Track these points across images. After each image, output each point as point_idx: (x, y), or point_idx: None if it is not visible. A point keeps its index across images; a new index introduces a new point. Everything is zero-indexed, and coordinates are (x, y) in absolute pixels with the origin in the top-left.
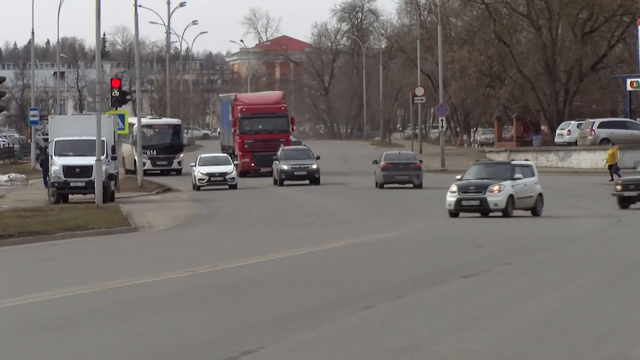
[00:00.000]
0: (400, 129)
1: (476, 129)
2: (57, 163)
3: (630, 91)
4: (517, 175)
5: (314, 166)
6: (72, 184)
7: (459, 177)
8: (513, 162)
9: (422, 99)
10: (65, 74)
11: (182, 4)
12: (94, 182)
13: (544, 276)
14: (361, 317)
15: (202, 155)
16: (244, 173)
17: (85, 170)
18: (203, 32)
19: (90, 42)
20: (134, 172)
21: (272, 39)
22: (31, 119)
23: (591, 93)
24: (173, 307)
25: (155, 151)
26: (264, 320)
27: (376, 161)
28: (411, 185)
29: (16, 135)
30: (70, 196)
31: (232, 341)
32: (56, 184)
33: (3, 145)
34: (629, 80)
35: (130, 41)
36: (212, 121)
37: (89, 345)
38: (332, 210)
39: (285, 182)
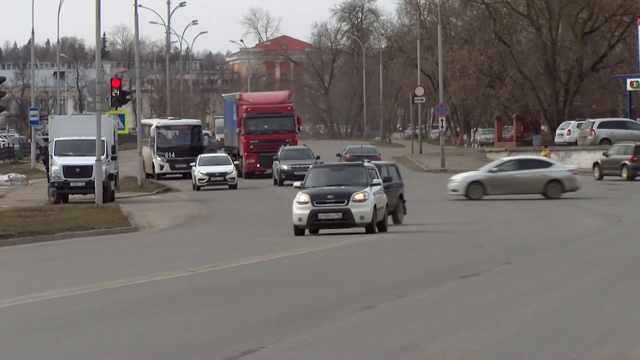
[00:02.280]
0: (400, 128)
1: (476, 129)
2: (57, 163)
3: (630, 91)
4: (375, 180)
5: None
6: (72, 184)
7: (298, 184)
8: (366, 164)
9: (422, 99)
10: (65, 74)
11: (182, 4)
12: (94, 182)
13: (544, 276)
14: (361, 316)
15: (202, 156)
16: (249, 174)
17: (85, 170)
18: (203, 32)
19: (90, 42)
20: (152, 176)
21: (272, 39)
22: (31, 119)
23: (591, 93)
24: (173, 307)
25: (173, 153)
26: (264, 320)
27: (340, 154)
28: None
29: (16, 135)
30: (70, 196)
31: (232, 341)
32: (56, 184)
33: (3, 145)
34: (629, 80)
35: (130, 41)
36: (212, 121)
37: (89, 345)
38: None
39: (285, 182)
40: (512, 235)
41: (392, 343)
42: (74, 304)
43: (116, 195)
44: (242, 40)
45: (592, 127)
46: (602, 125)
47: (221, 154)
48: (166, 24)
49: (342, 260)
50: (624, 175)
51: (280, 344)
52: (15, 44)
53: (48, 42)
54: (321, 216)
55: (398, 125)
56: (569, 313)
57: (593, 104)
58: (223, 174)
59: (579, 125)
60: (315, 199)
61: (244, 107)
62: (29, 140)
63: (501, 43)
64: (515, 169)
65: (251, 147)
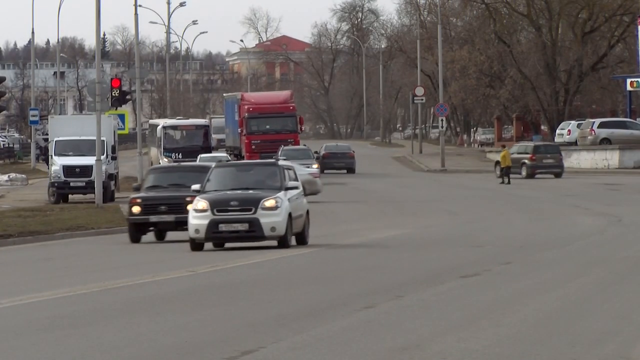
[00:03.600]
0: (400, 128)
1: (476, 129)
2: (57, 163)
3: (630, 91)
4: (291, 184)
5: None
6: (72, 184)
7: (196, 187)
8: (282, 163)
9: (422, 99)
10: (65, 74)
11: (182, 4)
12: (94, 182)
13: (544, 276)
14: (361, 316)
15: (202, 155)
16: None
17: (85, 170)
18: (203, 32)
19: (90, 42)
20: None
21: (272, 39)
22: (31, 119)
23: (591, 93)
24: (173, 307)
25: (180, 154)
26: (264, 320)
27: (317, 152)
28: (344, 171)
29: (16, 135)
30: (70, 196)
31: (232, 341)
32: (56, 184)
33: (3, 145)
34: (629, 80)
35: (130, 41)
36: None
37: (89, 345)
38: (332, 210)
39: None
40: (512, 235)
41: (392, 343)
42: (74, 304)
43: (116, 195)
44: (242, 40)
45: (592, 127)
46: (602, 125)
47: (221, 154)
48: (166, 24)
49: (342, 260)
50: (524, 173)
51: (280, 344)
52: (15, 44)
53: (48, 42)
54: (222, 227)
55: (398, 125)
56: (569, 313)
57: (593, 104)
58: None
59: (579, 125)
60: (216, 206)
61: (246, 107)
62: (29, 140)
63: (501, 43)
64: None
65: (253, 147)
